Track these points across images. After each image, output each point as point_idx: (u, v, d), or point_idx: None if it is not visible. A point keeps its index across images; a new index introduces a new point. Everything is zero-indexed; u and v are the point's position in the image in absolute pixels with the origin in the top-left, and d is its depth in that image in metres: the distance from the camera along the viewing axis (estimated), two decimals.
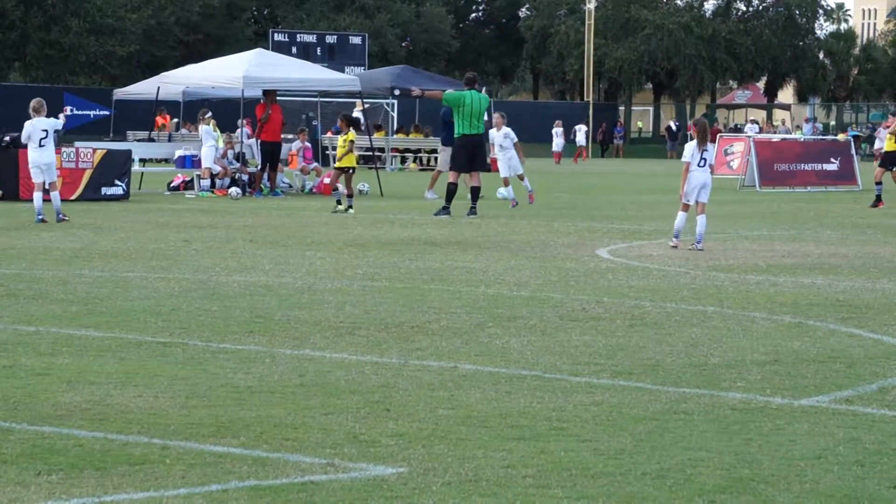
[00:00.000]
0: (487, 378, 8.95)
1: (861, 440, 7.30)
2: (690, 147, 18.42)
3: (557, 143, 66.33)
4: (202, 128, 31.68)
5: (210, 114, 32.40)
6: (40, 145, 22.12)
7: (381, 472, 6.52)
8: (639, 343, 10.43)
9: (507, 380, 8.90)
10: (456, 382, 8.79)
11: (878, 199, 28.89)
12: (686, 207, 18.36)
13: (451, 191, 24.51)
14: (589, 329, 11.09)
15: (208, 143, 31.17)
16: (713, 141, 22.90)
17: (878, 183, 29.19)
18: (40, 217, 21.62)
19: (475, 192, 24.66)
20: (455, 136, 24.58)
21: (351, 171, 25.34)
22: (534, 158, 66.92)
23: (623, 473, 6.54)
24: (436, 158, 51.51)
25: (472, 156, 24.29)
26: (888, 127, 31.35)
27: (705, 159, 18.34)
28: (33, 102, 22.69)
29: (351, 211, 24.94)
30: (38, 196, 21.96)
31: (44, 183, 22.13)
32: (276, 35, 69.32)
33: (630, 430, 7.45)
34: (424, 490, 6.21)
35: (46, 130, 22.16)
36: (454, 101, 24.37)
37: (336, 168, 25.92)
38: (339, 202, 25.35)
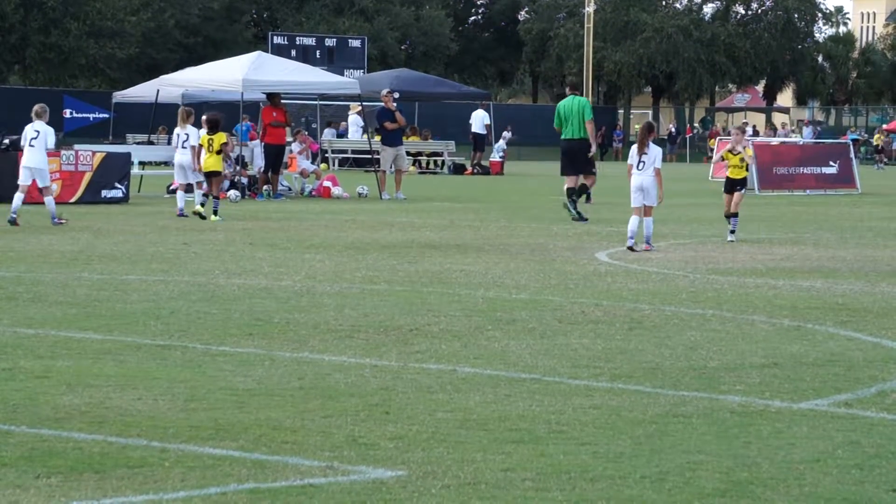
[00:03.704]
0: (486, 381, 8.95)
1: (860, 443, 7.30)
2: (633, 150, 18.59)
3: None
4: (203, 131, 31.62)
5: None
6: (30, 145, 22.28)
7: (381, 475, 6.53)
8: (638, 346, 10.43)
9: (506, 383, 8.90)
10: (455, 385, 8.79)
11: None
12: (637, 211, 18.39)
13: (571, 193, 24.80)
14: (588, 332, 11.10)
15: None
16: (712, 143, 22.81)
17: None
18: (12, 217, 21.66)
19: (583, 190, 24.94)
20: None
21: (215, 175, 24.12)
22: (536, 161, 67.02)
23: (622, 477, 6.54)
24: (435, 161, 51.74)
25: (571, 159, 24.51)
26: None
27: (644, 162, 18.32)
28: (36, 107, 22.91)
29: (207, 215, 23.27)
30: (17, 196, 22.08)
31: (30, 185, 22.26)
32: (275, 38, 69.37)
33: (629, 434, 7.45)
34: (423, 493, 6.21)
35: (38, 131, 22.26)
36: (557, 122, 24.95)
37: (205, 173, 24.19)
38: (214, 209, 23.43)
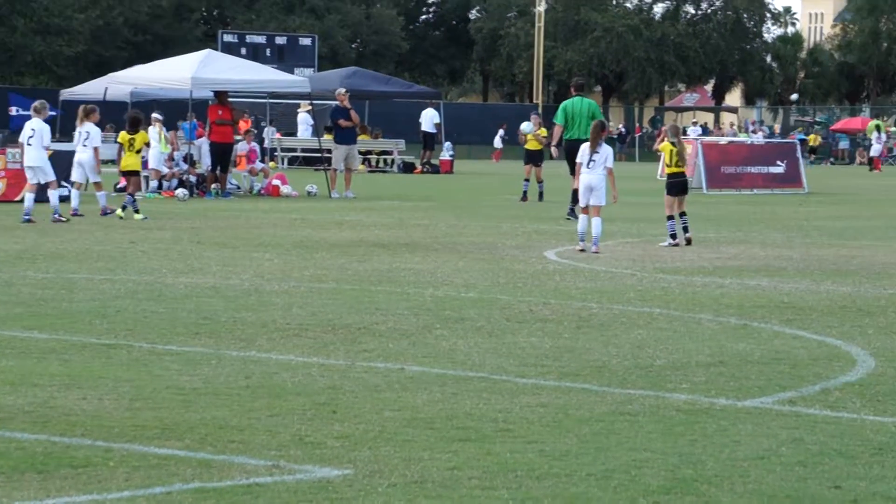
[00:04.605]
0: (434, 380, 8.96)
1: (804, 441, 7.36)
2: (584, 148, 18.34)
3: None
4: (152, 129, 31.46)
5: (161, 117, 32.33)
6: (28, 144, 22.53)
7: (327, 474, 6.51)
8: (585, 345, 10.46)
9: (454, 381, 8.91)
10: (402, 384, 8.79)
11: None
12: (585, 210, 18.19)
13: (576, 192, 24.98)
14: (536, 331, 11.12)
15: (155, 145, 31.03)
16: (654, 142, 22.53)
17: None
18: (26, 217, 21.86)
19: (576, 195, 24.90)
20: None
21: (134, 174, 23.75)
22: (486, 160, 67.07)
23: (568, 475, 6.56)
24: (385, 160, 51.67)
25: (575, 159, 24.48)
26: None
27: (594, 161, 18.05)
28: (35, 104, 23.34)
29: (138, 216, 22.83)
30: (27, 196, 22.23)
31: (38, 183, 22.51)
32: (225, 36, 69.07)
33: (576, 432, 7.48)
34: (370, 492, 6.21)
35: (34, 129, 22.46)
36: (561, 118, 25.10)
37: (122, 172, 23.81)
38: (133, 209, 23.01)
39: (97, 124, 24.86)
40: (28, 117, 34.57)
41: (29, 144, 22.36)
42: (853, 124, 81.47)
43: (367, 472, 6.55)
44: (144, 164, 31.73)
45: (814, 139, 74.44)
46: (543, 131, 31.72)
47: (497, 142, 68.86)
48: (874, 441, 7.38)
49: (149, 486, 6.23)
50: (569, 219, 23.98)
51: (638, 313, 12.31)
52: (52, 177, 22.55)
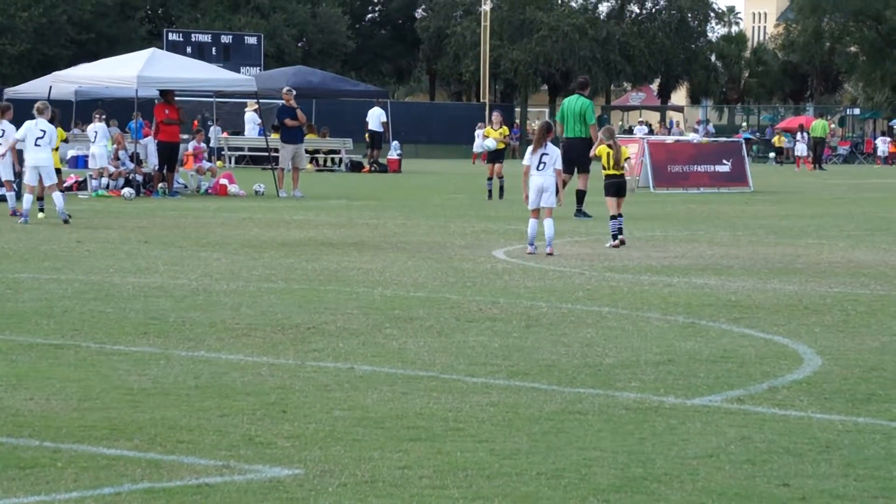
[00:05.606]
0: (384, 379, 8.96)
1: (752, 439, 7.41)
2: (530, 150, 17.82)
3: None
4: (99, 126, 31.24)
5: (104, 115, 32.17)
6: (36, 144, 22.28)
7: (277, 474, 6.50)
8: (534, 344, 10.49)
9: (404, 381, 8.91)
10: (352, 383, 8.78)
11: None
12: (535, 213, 17.68)
13: (581, 196, 25.43)
14: (485, 330, 11.14)
15: (101, 142, 30.85)
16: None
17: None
18: (24, 219, 21.82)
19: (579, 195, 25.21)
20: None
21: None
22: (433, 159, 67.09)
23: (519, 473, 6.57)
24: (333, 159, 51.58)
25: (569, 158, 23.96)
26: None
27: (544, 163, 17.59)
28: (38, 104, 23.02)
29: (41, 215, 22.67)
30: (26, 198, 22.14)
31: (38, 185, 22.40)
32: (170, 35, 68.75)
33: (526, 431, 7.49)
34: (321, 492, 6.20)
35: (44, 131, 22.32)
36: (559, 117, 25.86)
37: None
38: (39, 207, 22.83)
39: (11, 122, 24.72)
40: None
41: (37, 145, 22.21)
42: (797, 123, 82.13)
43: (317, 471, 6.54)
44: (83, 161, 31.60)
45: (778, 140, 75.30)
46: (506, 130, 32.04)
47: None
48: (821, 439, 7.44)
49: (97, 487, 6.19)
50: (579, 217, 24.65)
51: (587, 312, 12.36)
52: (55, 179, 22.61)
